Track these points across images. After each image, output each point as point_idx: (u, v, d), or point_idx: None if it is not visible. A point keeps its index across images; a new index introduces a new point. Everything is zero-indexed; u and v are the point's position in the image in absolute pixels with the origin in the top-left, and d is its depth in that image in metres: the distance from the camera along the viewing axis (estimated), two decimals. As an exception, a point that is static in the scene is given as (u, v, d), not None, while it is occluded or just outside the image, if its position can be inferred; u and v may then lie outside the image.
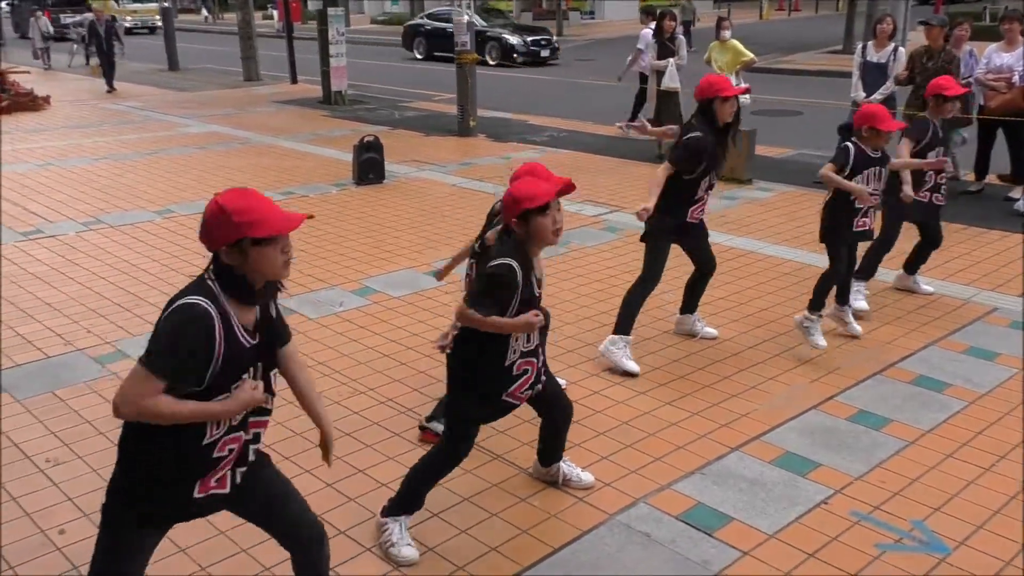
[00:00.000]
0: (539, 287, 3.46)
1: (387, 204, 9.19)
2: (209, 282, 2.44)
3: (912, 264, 6.44)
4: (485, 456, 4.25)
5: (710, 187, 5.16)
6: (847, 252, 5.46)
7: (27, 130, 14.21)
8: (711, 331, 5.67)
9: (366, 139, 10.17)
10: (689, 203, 5.13)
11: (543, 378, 3.59)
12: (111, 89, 19.27)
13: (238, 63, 21.52)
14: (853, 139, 5.28)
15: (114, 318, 6.00)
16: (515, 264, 3.25)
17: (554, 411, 3.83)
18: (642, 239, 5.29)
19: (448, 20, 24.77)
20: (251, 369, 2.51)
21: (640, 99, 12.74)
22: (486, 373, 3.42)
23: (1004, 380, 5.03)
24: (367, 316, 6.06)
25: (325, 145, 12.58)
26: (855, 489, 3.96)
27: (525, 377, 3.47)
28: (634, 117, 12.90)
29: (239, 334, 2.44)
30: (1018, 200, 8.64)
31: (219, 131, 13.78)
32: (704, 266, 5.54)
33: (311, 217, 2.62)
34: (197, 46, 31.10)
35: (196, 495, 2.53)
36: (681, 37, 11.34)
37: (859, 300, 5.99)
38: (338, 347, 5.54)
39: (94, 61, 20.64)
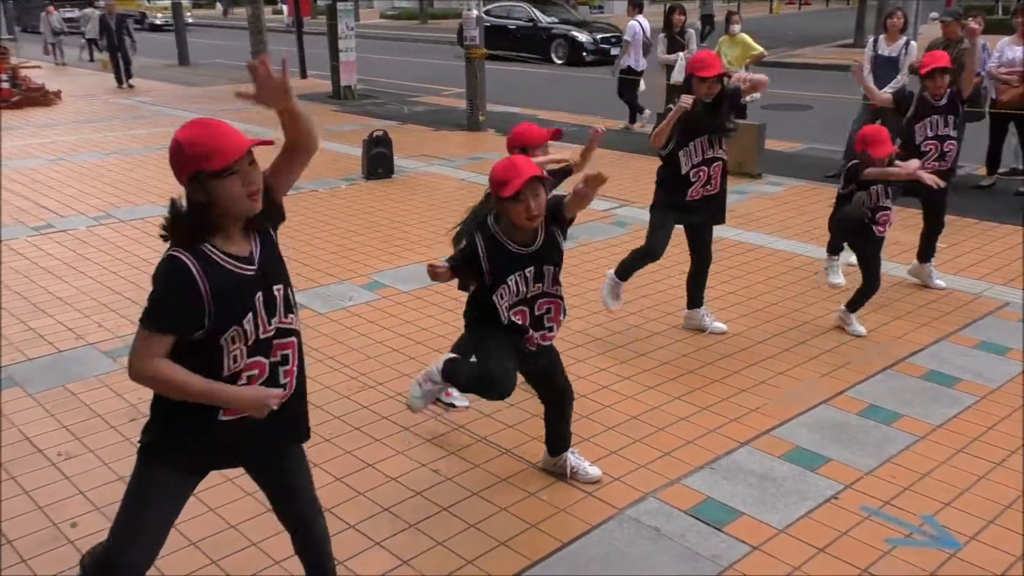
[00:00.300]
0: (541, 250, 3.50)
1: (396, 199, 9.20)
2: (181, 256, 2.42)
3: (924, 252, 6.41)
4: (494, 451, 4.25)
5: (702, 163, 5.23)
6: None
7: (38, 125, 14.26)
8: (720, 325, 5.66)
9: (375, 134, 10.18)
10: (683, 183, 5.25)
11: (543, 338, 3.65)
12: (125, 85, 19.05)
13: (248, 58, 21.55)
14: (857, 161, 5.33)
15: (125, 312, 6.03)
16: (477, 236, 3.48)
17: (548, 392, 3.89)
18: (650, 209, 5.51)
19: (508, 16, 24.55)
20: (258, 297, 2.47)
21: (626, 95, 13.04)
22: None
23: (1015, 375, 5.01)
24: (376, 310, 6.07)
25: (334, 140, 12.59)
26: (865, 484, 3.95)
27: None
28: (633, 118, 13.13)
29: (226, 266, 2.42)
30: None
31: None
32: (698, 259, 5.61)
33: (270, 143, 2.56)
34: (207, 41, 31.17)
35: (222, 417, 2.51)
36: (691, 31, 11.32)
37: (837, 277, 6.28)
38: (347, 341, 5.55)
39: (101, 55, 20.17)
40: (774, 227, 7.96)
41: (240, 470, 2.89)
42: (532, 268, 3.50)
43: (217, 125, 2.43)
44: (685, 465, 4.12)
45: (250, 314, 2.46)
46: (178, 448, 2.58)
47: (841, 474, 4.03)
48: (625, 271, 5.55)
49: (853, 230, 5.46)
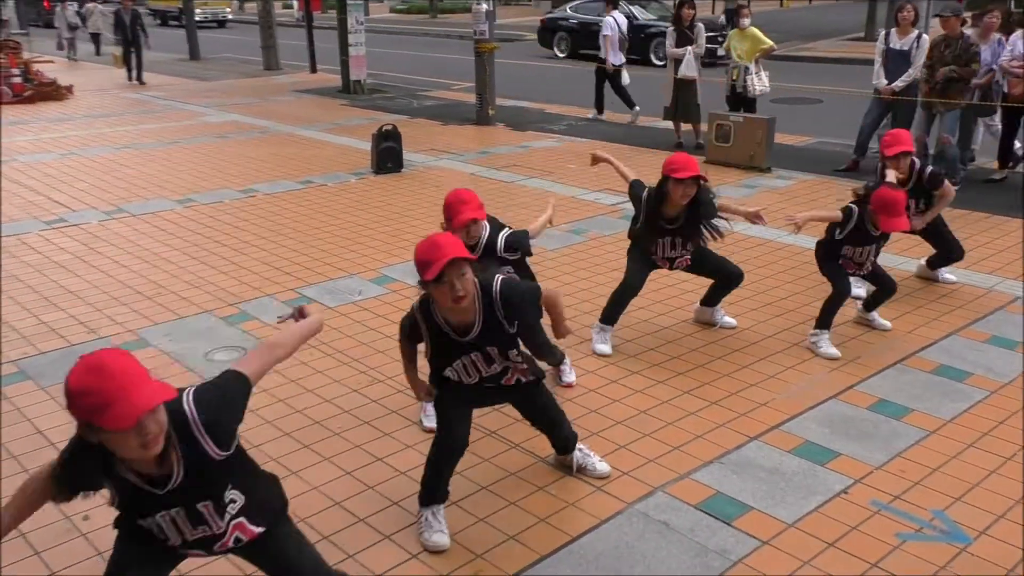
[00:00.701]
0: (480, 337, 3.40)
1: (405, 193, 9.20)
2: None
3: (935, 262, 6.36)
4: (503, 445, 4.26)
5: (665, 259, 5.23)
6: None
7: (50, 119, 14.32)
8: (730, 320, 5.65)
9: (385, 128, 10.18)
10: (652, 243, 5.23)
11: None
12: (137, 81, 18.96)
13: (258, 52, 21.61)
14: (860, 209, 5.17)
15: (136, 306, 6.05)
16: (418, 316, 3.45)
17: (534, 423, 3.93)
18: (628, 251, 5.46)
19: (599, 14, 23.87)
20: (176, 511, 2.48)
21: (607, 86, 13.30)
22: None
23: (1027, 370, 4.99)
24: (386, 305, 6.08)
25: (344, 134, 12.61)
26: (875, 478, 3.94)
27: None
28: (600, 109, 13.57)
29: (134, 482, 2.39)
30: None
31: (239, 120, 13.84)
32: (720, 279, 5.48)
33: (168, 397, 2.28)
34: (218, 35, 31.22)
35: (181, 552, 2.68)
36: (700, 25, 11.28)
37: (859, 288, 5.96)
38: (356, 336, 5.57)
39: (113, 49, 19.93)
40: (784, 221, 7.91)
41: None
42: (477, 354, 3.46)
43: (114, 371, 2.16)
44: (694, 460, 4.12)
45: (162, 520, 2.48)
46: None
47: (851, 469, 4.02)
48: (611, 316, 5.39)
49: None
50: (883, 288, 5.47)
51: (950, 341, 5.39)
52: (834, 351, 5.18)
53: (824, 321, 5.27)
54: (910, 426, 4.39)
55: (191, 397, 2.40)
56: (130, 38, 18.98)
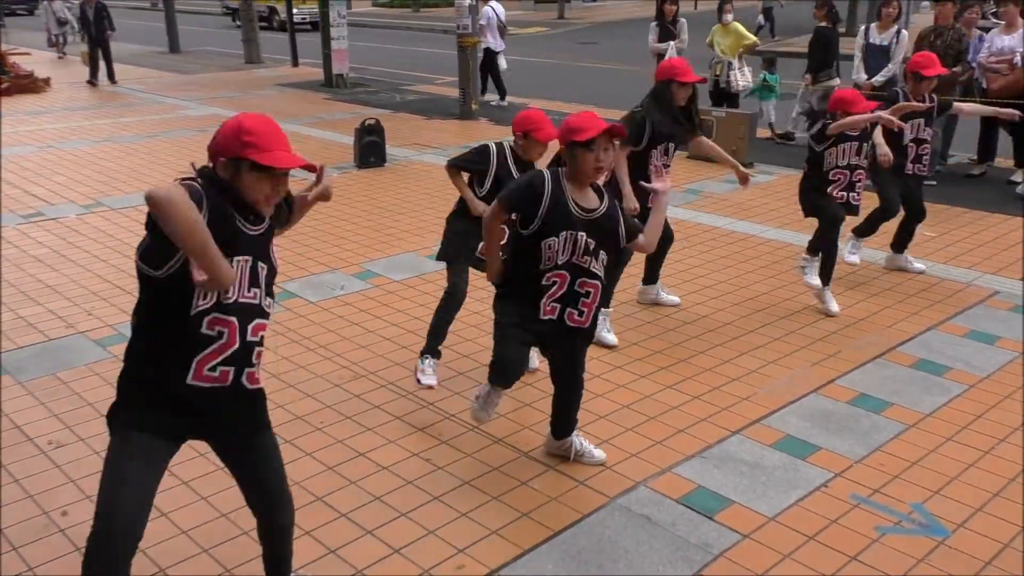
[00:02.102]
0: (595, 217, 3.54)
1: (388, 187, 9.18)
2: (196, 183, 2.54)
3: (899, 243, 6.46)
4: (485, 440, 4.26)
5: (665, 165, 5.27)
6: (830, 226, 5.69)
7: (27, 112, 14.17)
8: (674, 298, 5.91)
9: (367, 122, 10.14)
10: (643, 178, 5.15)
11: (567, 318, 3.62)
12: (108, 80, 17.52)
13: (239, 45, 21.47)
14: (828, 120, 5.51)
15: (115, 301, 6.01)
16: (547, 176, 3.53)
17: (557, 378, 3.93)
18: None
19: None
20: (246, 259, 2.57)
21: (484, 73, 14.16)
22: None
23: (1004, 364, 5.03)
24: (368, 300, 6.06)
25: (326, 128, 12.55)
26: (855, 472, 3.97)
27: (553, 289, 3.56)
28: (483, 91, 14.42)
29: (237, 223, 2.54)
30: (1020, 184, 8.63)
31: (220, 114, 13.74)
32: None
33: (313, 168, 2.73)
34: (198, 28, 30.99)
35: (190, 381, 2.54)
36: (683, 20, 11.30)
37: (853, 255, 6.32)
38: (339, 330, 5.55)
39: (82, 46, 17.98)
40: (766, 216, 7.97)
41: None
42: (585, 234, 3.51)
43: (278, 127, 2.62)
44: (676, 454, 4.13)
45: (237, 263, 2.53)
46: (145, 410, 2.60)
47: (831, 462, 4.05)
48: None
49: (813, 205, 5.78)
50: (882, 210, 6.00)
51: (929, 336, 5.43)
52: (816, 281, 5.70)
53: (813, 248, 5.79)
54: (890, 420, 4.42)
55: None
56: (94, 35, 17.23)
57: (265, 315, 2.67)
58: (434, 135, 12.10)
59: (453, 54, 13.85)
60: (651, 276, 5.88)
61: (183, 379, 2.54)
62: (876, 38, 9.34)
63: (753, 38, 10.81)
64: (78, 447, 4.21)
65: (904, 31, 9.29)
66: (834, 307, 5.73)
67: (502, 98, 14.38)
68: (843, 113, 5.37)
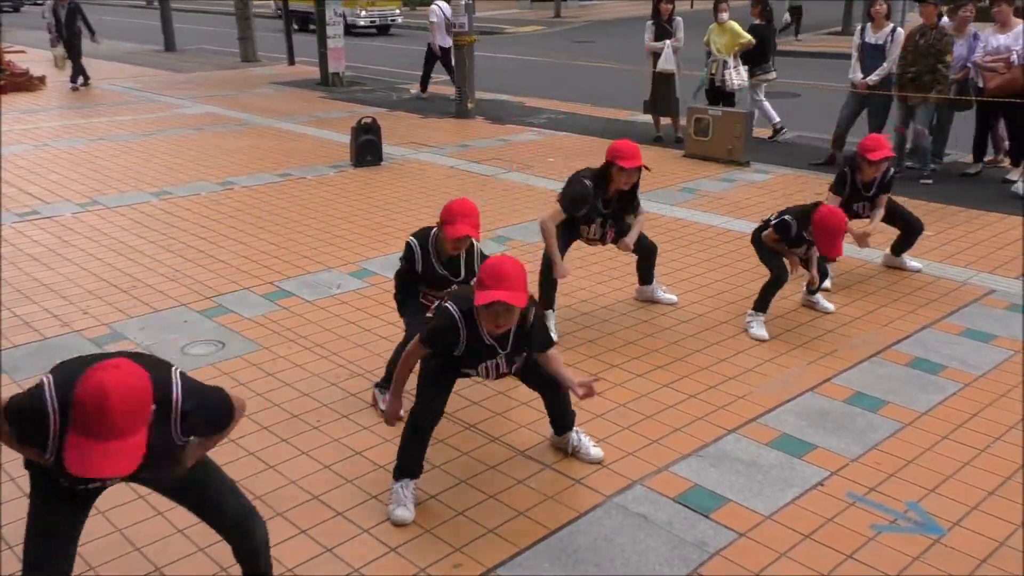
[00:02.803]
0: (497, 357, 3.66)
1: (385, 186, 9.17)
2: None
3: (899, 247, 6.48)
4: (482, 438, 4.26)
5: (601, 237, 5.43)
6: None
7: (23, 110, 14.13)
8: (671, 297, 5.96)
9: (364, 121, 10.13)
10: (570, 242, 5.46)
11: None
12: (76, 86, 16.41)
13: (235, 44, 21.43)
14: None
15: (111, 300, 6.00)
16: (460, 321, 3.51)
17: (535, 386, 4.01)
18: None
19: None
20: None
21: (447, 67, 14.76)
22: None
23: (1000, 362, 5.04)
24: (364, 298, 6.06)
25: (323, 127, 12.54)
26: (851, 471, 3.97)
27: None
28: (425, 88, 15.23)
29: None
30: (1016, 182, 8.64)
31: (216, 112, 13.72)
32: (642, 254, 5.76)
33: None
34: (194, 27, 30.94)
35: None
36: (679, 19, 11.29)
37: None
38: (335, 329, 5.54)
39: (56, 50, 16.71)
40: (761, 215, 7.93)
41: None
42: (503, 358, 3.65)
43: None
44: (673, 452, 4.13)
45: None
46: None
47: (827, 461, 4.05)
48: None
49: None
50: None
51: (925, 334, 5.44)
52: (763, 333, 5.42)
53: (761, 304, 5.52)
54: (885, 419, 4.43)
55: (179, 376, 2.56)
56: (66, 36, 16.18)
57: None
58: (430, 134, 12.09)
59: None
60: (646, 278, 5.90)
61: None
62: (871, 37, 9.35)
63: (748, 37, 10.81)
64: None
65: (900, 29, 9.29)
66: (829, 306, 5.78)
67: (423, 90, 15.29)
68: (822, 238, 5.13)
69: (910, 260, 6.52)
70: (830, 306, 5.80)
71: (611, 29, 28.50)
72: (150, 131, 12.27)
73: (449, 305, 3.54)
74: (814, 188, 8.53)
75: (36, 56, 21.16)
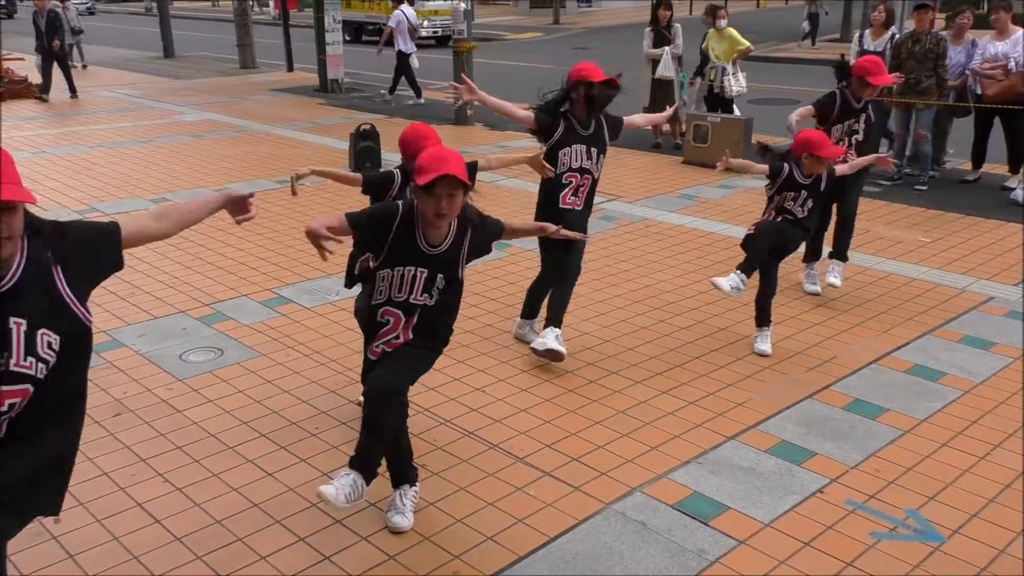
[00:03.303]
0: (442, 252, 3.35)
1: (383, 193, 9.15)
2: None
3: (818, 252, 6.40)
4: (480, 445, 4.25)
5: (580, 171, 5.00)
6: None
7: (21, 117, 14.15)
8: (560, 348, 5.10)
9: (363, 127, 10.14)
10: (558, 186, 5.01)
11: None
12: (71, 94, 15.99)
13: (234, 51, 21.46)
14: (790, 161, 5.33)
15: (110, 307, 5.99)
16: (399, 207, 3.34)
17: None
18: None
19: None
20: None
21: (398, 73, 15.30)
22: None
23: (999, 369, 5.04)
24: (363, 305, 6.05)
25: (321, 133, 12.55)
26: (850, 478, 3.97)
27: (386, 328, 3.42)
28: (392, 91, 15.68)
29: None
30: (1014, 189, 8.65)
31: (215, 119, 13.73)
32: (556, 271, 5.24)
33: (31, 200, 2.42)
34: (192, 33, 30.98)
35: None
36: (677, 26, 11.31)
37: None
38: (333, 336, 5.54)
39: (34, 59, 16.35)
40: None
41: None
42: (424, 272, 3.34)
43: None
44: (672, 459, 4.13)
45: None
46: None
47: (826, 468, 4.04)
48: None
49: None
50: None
51: (924, 341, 5.44)
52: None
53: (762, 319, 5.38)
54: (885, 426, 4.42)
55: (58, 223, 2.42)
56: (46, 45, 15.50)
57: (22, 380, 2.28)
58: (429, 140, 12.07)
59: (448, 59, 13.86)
60: (530, 310, 5.46)
61: None
62: (870, 44, 9.37)
63: (747, 43, 10.82)
64: (71, 453, 4.19)
65: (899, 36, 9.31)
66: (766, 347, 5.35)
67: (418, 96, 15.29)
68: (808, 156, 5.16)
69: (831, 275, 6.24)
70: (837, 281, 6.08)
71: (609, 35, 28.54)
72: (149, 138, 12.27)
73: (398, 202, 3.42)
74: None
75: (32, 62, 21.19)
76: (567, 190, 5.01)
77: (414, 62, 15.20)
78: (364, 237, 3.39)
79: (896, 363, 5.14)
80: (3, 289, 2.22)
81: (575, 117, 5.01)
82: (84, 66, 20.86)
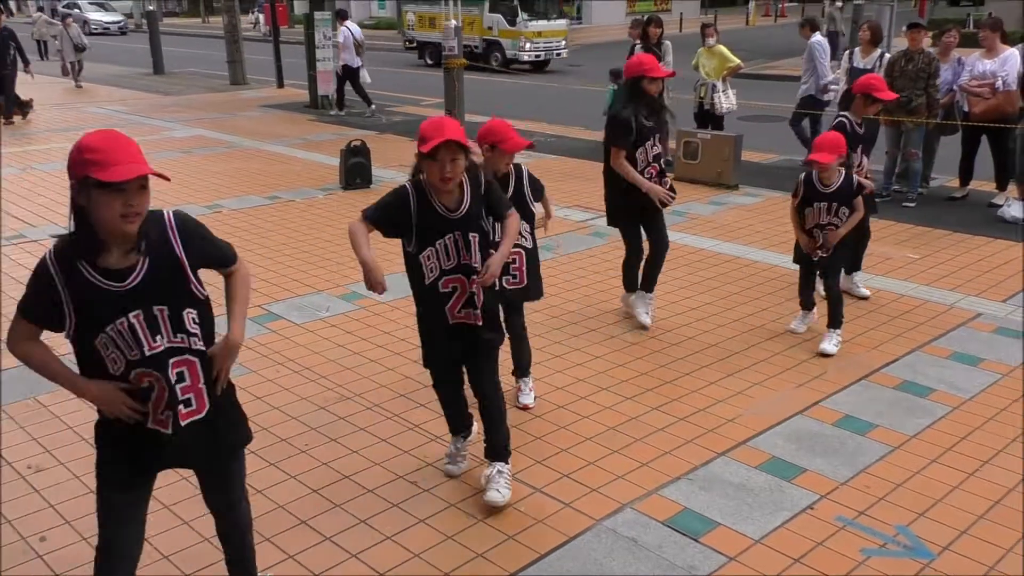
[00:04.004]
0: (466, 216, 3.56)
1: (374, 209, 9.15)
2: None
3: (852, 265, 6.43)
4: (471, 462, 4.23)
5: (655, 158, 5.56)
6: None
7: (9, 134, 14.11)
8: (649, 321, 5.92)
9: (353, 143, 10.15)
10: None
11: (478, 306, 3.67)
12: (3, 119, 14.91)
13: (224, 67, 21.48)
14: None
15: (98, 323, 5.95)
16: (408, 187, 3.56)
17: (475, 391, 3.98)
18: (610, 224, 5.95)
19: None
20: (132, 312, 2.51)
21: (341, 86, 15.96)
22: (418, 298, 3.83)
23: (988, 385, 5.05)
24: (354, 321, 6.04)
25: (312, 150, 12.56)
26: (840, 494, 3.97)
27: (456, 296, 3.64)
28: (341, 106, 16.17)
29: (91, 279, 2.48)
30: (1001, 206, 8.70)
31: (205, 135, 13.73)
32: (656, 245, 5.83)
33: (165, 178, 2.59)
34: (182, 50, 31.01)
35: (149, 426, 2.63)
36: (667, 42, 11.37)
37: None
38: (324, 352, 5.52)
39: None
40: (751, 238, 8.00)
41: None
42: (458, 233, 3.54)
43: (124, 139, 2.48)
44: (662, 476, 4.12)
45: (118, 326, 2.50)
46: (117, 463, 2.73)
47: (817, 484, 4.04)
48: (630, 277, 5.97)
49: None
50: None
51: (913, 357, 5.46)
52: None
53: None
54: (875, 442, 4.43)
55: (171, 210, 2.70)
56: None
57: (182, 352, 2.63)
58: (420, 156, 12.09)
59: (439, 76, 13.90)
60: (644, 283, 5.93)
61: (144, 424, 2.64)
62: (859, 62, 9.44)
63: (737, 61, 10.89)
64: (57, 471, 4.16)
65: (888, 54, 9.39)
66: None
67: (369, 105, 15.82)
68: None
69: (862, 285, 6.50)
70: (866, 292, 6.39)
71: (600, 52, 28.66)
72: (139, 153, 12.22)
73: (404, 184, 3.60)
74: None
75: (21, 79, 21.15)
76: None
77: (365, 76, 15.89)
78: (387, 229, 3.62)
79: (885, 379, 5.15)
80: (134, 284, 2.52)
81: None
82: (79, 86, 20.59)
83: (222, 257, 2.84)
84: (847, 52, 9.87)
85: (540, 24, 23.75)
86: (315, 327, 5.94)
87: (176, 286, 2.61)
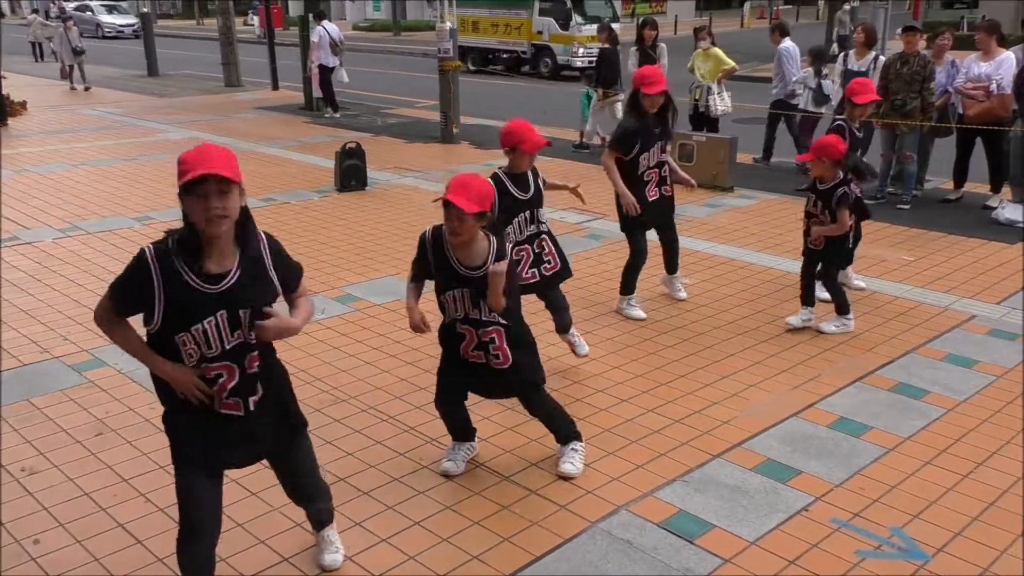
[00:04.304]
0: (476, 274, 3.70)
1: (369, 211, 9.16)
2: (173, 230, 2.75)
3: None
4: (467, 464, 4.23)
5: (658, 165, 5.85)
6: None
7: (3, 136, 14.07)
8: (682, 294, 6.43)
9: (348, 146, 10.14)
10: (640, 184, 5.82)
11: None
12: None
13: (218, 69, 21.45)
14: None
15: (91, 325, 5.88)
16: (427, 237, 3.78)
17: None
18: (623, 231, 6.13)
19: None
20: (216, 314, 2.74)
21: (325, 88, 15.79)
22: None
23: (982, 387, 5.06)
24: (349, 323, 6.04)
25: (307, 152, 12.55)
26: (835, 496, 3.97)
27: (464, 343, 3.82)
28: (335, 107, 15.96)
29: (189, 281, 2.70)
30: (996, 208, 8.72)
31: (199, 137, 13.71)
32: (669, 245, 6.29)
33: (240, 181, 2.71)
34: (177, 52, 30.97)
35: (221, 410, 2.88)
36: (662, 45, 11.39)
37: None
38: (319, 355, 5.51)
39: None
40: (746, 240, 8.01)
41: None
42: (466, 290, 3.69)
43: (212, 148, 2.69)
44: (658, 478, 4.12)
45: (205, 324, 2.73)
46: (193, 445, 2.93)
47: (812, 486, 4.05)
48: (629, 282, 6.17)
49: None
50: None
51: (908, 359, 5.46)
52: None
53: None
54: (869, 444, 4.44)
55: (264, 232, 2.97)
56: None
57: (254, 348, 2.92)
58: (415, 158, 12.11)
59: (434, 77, 13.90)
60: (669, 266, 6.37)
61: (211, 408, 2.88)
62: (854, 64, 9.47)
63: (732, 63, 10.91)
64: (52, 474, 4.15)
65: (882, 57, 9.42)
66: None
67: (334, 111, 15.91)
68: (816, 160, 5.58)
69: (856, 279, 6.66)
70: (861, 283, 6.56)
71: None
72: (132, 156, 12.24)
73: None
74: (799, 213, 8.56)
75: (17, 81, 21.11)
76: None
77: (343, 76, 15.92)
78: (423, 272, 3.90)
79: (880, 381, 5.16)
80: (227, 285, 2.75)
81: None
82: (87, 88, 20.42)
83: (296, 285, 3.13)
84: (842, 54, 9.89)
85: (593, 28, 21.69)
86: (310, 329, 5.93)
87: (260, 294, 2.86)
